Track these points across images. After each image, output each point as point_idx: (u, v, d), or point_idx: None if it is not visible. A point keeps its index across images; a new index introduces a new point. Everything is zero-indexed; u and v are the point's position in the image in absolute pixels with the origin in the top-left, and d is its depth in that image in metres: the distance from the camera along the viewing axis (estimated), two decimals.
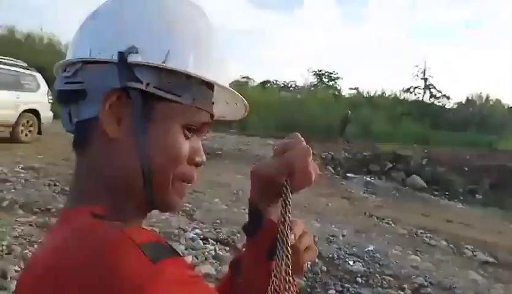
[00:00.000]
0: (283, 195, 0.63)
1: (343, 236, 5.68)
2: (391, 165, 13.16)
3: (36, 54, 18.29)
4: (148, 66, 0.54)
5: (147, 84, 0.55)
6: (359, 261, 4.73)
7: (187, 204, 5.93)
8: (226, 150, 12.89)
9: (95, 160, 0.57)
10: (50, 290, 0.47)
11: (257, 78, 34.08)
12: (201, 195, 6.70)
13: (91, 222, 0.52)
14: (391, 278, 4.37)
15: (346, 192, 9.71)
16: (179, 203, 0.61)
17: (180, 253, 0.53)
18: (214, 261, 4.17)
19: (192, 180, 0.61)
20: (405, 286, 4.24)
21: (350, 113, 18.47)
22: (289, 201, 0.62)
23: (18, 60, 10.23)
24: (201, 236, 4.73)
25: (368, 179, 12.14)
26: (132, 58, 0.54)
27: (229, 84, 0.63)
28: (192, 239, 4.61)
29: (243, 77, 33.07)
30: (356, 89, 30.13)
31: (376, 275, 4.43)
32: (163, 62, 0.55)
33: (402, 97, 27.92)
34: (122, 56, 0.54)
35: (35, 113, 9.66)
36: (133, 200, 0.58)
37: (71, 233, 0.51)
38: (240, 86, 27.46)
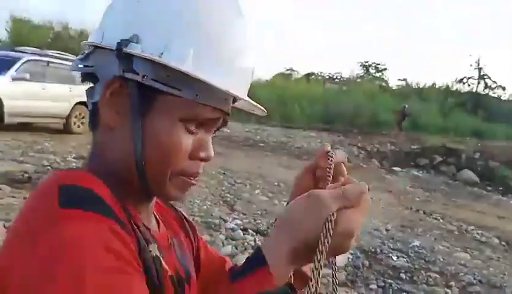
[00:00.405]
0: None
1: (387, 230, 5.51)
2: (440, 159, 12.60)
3: None
4: (146, 58, 0.52)
5: (144, 76, 0.53)
6: (403, 257, 4.57)
7: (228, 195, 5.99)
8: (268, 142, 12.89)
9: (99, 142, 0.59)
10: None
11: (302, 71, 33.80)
12: (242, 187, 6.74)
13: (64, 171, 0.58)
14: (437, 275, 4.19)
15: (392, 186, 9.42)
16: (179, 196, 0.60)
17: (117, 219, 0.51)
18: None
19: (194, 175, 0.58)
20: (452, 283, 4.06)
21: (406, 106, 17.96)
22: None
23: (70, 55, 10.72)
24: (241, 227, 4.75)
25: (415, 172, 11.70)
26: (130, 48, 0.52)
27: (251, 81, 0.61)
28: (232, 230, 4.64)
29: (287, 69, 32.94)
30: (405, 80, 29.18)
31: (422, 271, 4.26)
32: (160, 55, 0.52)
33: (454, 88, 26.72)
34: (120, 45, 0.52)
35: (86, 105, 10.08)
36: (130, 186, 0.57)
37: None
38: (284, 78, 27.35)
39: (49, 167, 6.11)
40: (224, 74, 0.55)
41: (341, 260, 4.31)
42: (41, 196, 0.52)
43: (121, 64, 0.53)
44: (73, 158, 6.99)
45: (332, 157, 0.61)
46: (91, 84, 0.59)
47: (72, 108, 9.72)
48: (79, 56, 0.59)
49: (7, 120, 8.43)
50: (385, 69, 31.69)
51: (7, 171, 5.64)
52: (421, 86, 27.26)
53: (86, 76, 0.59)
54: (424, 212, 7.06)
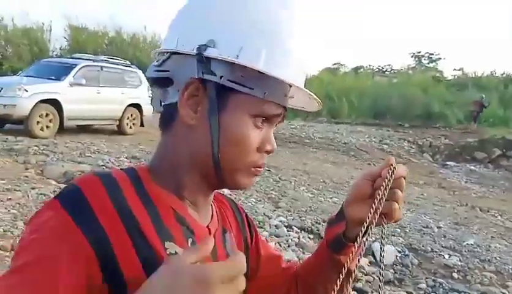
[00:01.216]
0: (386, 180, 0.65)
1: (438, 227, 5.31)
2: (500, 152, 11.89)
3: (140, 52, 19.82)
4: (223, 60, 0.58)
5: (221, 77, 0.59)
6: (455, 255, 4.38)
7: (273, 192, 6.02)
8: (314, 138, 12.78)
9: (174, 140, 0.64)
10: None
11: (350, 64, 33.12)
12: (287, 183, 6.74)
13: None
14: (493, 275, 3.98)
15: (445, 181, 9.05)
16: (249, 184, 0.66)
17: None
18: (297, 249, 4.17)
19: (262, 166, 0.65)
20: (509, 283, 3.84)
21: (484, 97, 16.55)
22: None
23: (121, 59, 11.22)
24: (286, 224, 4.76)
25: (472, 167, 11.13)
26: (209, 52, 0.58)
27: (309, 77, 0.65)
28: (276, 226, 4.66)
29: (334, 64, 32.40)
30: (461, 69, 27.67)
31: (476, 271, 4.06)
32: (236, 57, 0.58)
33: None
34: (200, 50, 0.58)
35: (137, 107, 10.51)
36: (200, 178, 0.64)
37: None
38: (331, 72, 26.90)
39: (103, 166, 6.42)
40: (289, 71, 0.61)
41: (388, 257, 4.21)
42: None
43: (200, 66, 0.59)
44: (125, 158, 7.30)
45: (394, 170, 0.66)
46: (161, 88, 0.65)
47: (124, 110, 10.16)
48: (155, 63, 0.65)
49: (66, 123, 8.98)
50: (439, 59, 30.30)
51: (67, 171, 6.00)
52: (478, 75, 25.75)
53: (158, 81, 0.64)
54: (481, 209, 6.72)
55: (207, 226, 0.68)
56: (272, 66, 0.58)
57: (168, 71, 0.62)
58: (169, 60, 0.63)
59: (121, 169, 0.64)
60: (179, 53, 0.61)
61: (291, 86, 0.63)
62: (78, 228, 0.53)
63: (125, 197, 0.58)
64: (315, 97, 0.67)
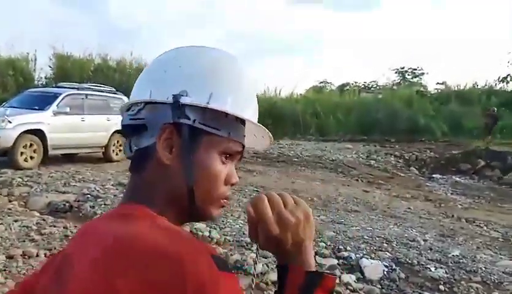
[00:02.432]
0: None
1: (424, 240, 5.32)
2: (484, 163, 12.06)
3: (127, 78, 19.85)
4: (195, 106, 0.67)
5: (194, 121, 0.67)
6: (441, 268, 4.39)
7: None
8: (302, 156, 12.83)
9: (151, 179, 0.70)
10: (128, 263, 0.56)
11: (336, 82, 33.52)
12: None
13: (174, 227, 0.63)
14: (479, 285, 3.99)
15: (431, 194, 9.11)
16: (219, 215, 0.74)
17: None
18: None
19: (227, 198, 0.73)
20: (495, 293, 3.86)
21: (495, 109, 16.31)
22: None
23: (106, 86, 11.26)
24: None
25: (457, 179, 11.26)
26: (183, 100, 0.67)
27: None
28: None
29: (320, 82, 32.79)
30: (444, 83, 28.15)
31: (462, 282, 4.07)
32: (207, 103, 0.67)
33: (497, 88, 25.49)
34: (175, 98, 0.67)
35: (122, 133, 10.49)
36: (176, 212, 0.70)
37: (156, 226, 0.61)
38: (317, 91, 27.19)
39: (88, 195, 6.36)
40: (251, 112, 0.72)
41: (375, 272, 4.21)
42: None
43: (175, 112, 0.67)
44: (112, 185, 7.24)
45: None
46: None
47: (110, 136, 10.14)
48: (129, 112, 0.72)
49: (51, 152, 8.92)
50: (422, 74, 30.84)
51: (51, 202, 5.94)
52: (461, 88, 26.21)
53: (132, 129, 0.71)
54: (466, 220, 6.76)
55: None
56: (238, 109, 0.69)
57: (143, 118, 0.70)
58: (144, 109, 0.70)
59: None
60: (152, 103, 0.69)
61: (244, 126, 0.73)
62: None
63: None
64: (269, 133, 0.78)
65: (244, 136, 0.74)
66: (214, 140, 0.69)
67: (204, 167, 0.68)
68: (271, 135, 0.79)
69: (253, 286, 0.74)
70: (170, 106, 0.67)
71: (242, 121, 0.72)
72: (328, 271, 0.70)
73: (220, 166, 0.70)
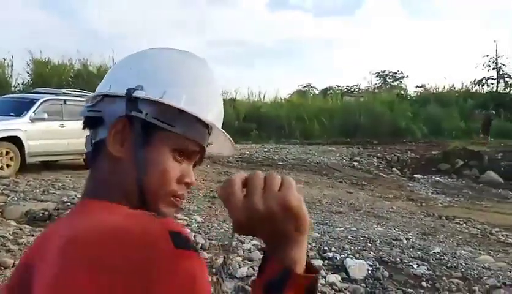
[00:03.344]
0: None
1: (407, 239, 5.38)
2: (462, 163, 12.31)
3: None
4: (149, 100, 0.67)
5: (146, 114, 0.67)
6: (423, 265, 4.44)
7: None
8: (287, 160, 12.87)
9: (105, 173, 0.69)
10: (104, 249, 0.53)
11: (319, 86, 33.81)
12: None
13: (134, 211, 0.62)
14: (460, 281, 4.05)
15: (413, 194, 9.24)
16: (170, 212, 0.72)
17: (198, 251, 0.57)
18: None
19: (181, 197, 0.72)
20: (475, 288, 3.90)
21: (494, 112, 17.32)
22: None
23: (86, 91, 11.07)
24: (259, 247, 4.73)
25: (437, 178, 11.45)
26: (137, 93, 0.67)
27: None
28: (249, 250, 4.61)
29: (304, 86, 33.03)
30: (423, 86, 28.71)
31: (444, 278, 4.12)
32: (161, 98, 0.67)
33: (473, 90, 26.12)
34: (129, 91, 0.67)
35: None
36: (132, 206, 0.66)
37: (125, 216, 0.59)
38: (301, 95, 27.38)
39: (68, 203, 6.23)
40: (205, 113, 0.70)
41: (359, 272, 4.22)
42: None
43: (128, 105, 0.67)
44: None
45: None
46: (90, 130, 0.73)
47: None
48: (87, 104, 0.73)
49: (29, 160, 8.70)
50: (402, 77, 31.38)
51: (28, 210, 5.79)
52: (439, 91, 26.76)
53: (90, 121, 0.72)
54: (446, 218, 6.88)
55: None
56: (192, 107, 0.68)
57: (100, 111, 0.70)
58: (102, 102, 0.71)
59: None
60: (110, 96, 0.70)
61: (207, 129, 0.73)
62: None
63: None
64: (230, 138, 0.77)
65: (203, 137, 0.73)
66: (167, 136, 0.68)
67: (154, 162, 0.67)
68: (231, 139, 0.78)
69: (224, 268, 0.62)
70: (124, 100, 0.67)
71: (206, 124, 0.71)
72: (314, 268, 0.60)
73: (172, 163, 0.69)
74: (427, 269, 4.32)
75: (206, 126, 0.72)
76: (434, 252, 4.81)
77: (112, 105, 0.69)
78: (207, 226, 5.30)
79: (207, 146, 0.76)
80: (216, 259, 4.23)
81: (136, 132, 0.67)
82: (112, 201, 0.66)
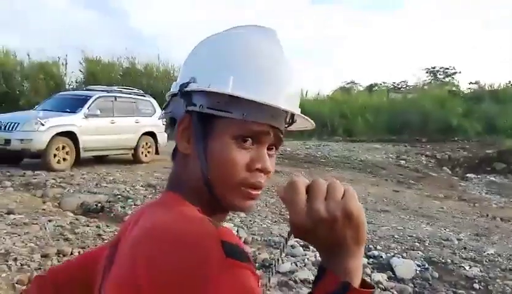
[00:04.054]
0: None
1: (458, 240, 5.17)
2: None
3: (154, 81, 20.22)
4: (201, 91, 0.66)
5: (201, 106, 0.66)
6: (476, 266, 4.25)
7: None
8: (330, 157, 12.69)
9: (178, 169, 0.71)
10: (154, 243, 0.56)
11: (364, 83, 33.05)
12: None
13: (194, 214, 0.61)
14: None
15: (465, 193, 8.85)
16: (245, 205, 0.68)
17: (255, 268, 0.56)
18: (314, 268, 4.12)
19: (254, 185, 0.67)
20: None
21: None
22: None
23: (135, 89, 11.43)
24: (301, 243, 4.71)
25: (492, 178, 10.90)
26: (189, 87, 0.67)
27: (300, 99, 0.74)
28: (292, 246, 4.61)
29: (348, 83, 32.42)
30: (477, 82, 27.32)
31: (497, 280, 3.94)
32: (208, 86, 0.65)
33: None
34: (181, 86, 0.67)
35: (152, 135, 10.65)
36: (201, 203, 0.66)
37: (178, 214, 0.60)
38: (345, 92, 26.90)
39: (119, 195, 6.49)
40: (263, 93, 0.65)
41: (407, 271, 4.11)
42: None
43: (184, 101, 0.67)
44: (141, 186, 7.37)
45: None
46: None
47: (139, 138, 10.29)
48: (163, 107, 0.75)
49: (83, 154, 9.12)
50: (455, 73, 30.00)
51: (83, 202, 6.08)
52: (495, 87, 25.37)
53: (168, 123, 0.74)
54: (501, 219, 6.55)
55: None
56: (242, 89, 0.64)
57: (170, 112, 0.73)
58: (171, 102, 0.73)
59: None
60: (175, 95, 0.70)
61: (273, 107, 0.66)
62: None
63: None
64: (303, 116, 0.72)
65: (273, 116, 0.67)
66: (227, 124, 0.65)
67: (216, 153, 0.65)
68: (308, 119, 0.74)
69: (273, 270, 0.67)
70: (180, 96, 0.68)
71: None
72: (369, 282, 0.58)
73: (236, 151, 0.65)
74: (480, 270, 4.14)
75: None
76: (488, 254, 4.60)
77: (177, 104, 0.70)
78: (250, 221, 5.34)
79: (289, 124, 0.72)
80: (259, 253, 4.26)
81: (195, 126, 0.67)
82: (187, 197, 0.66)
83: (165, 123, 0.76)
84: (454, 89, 26.20)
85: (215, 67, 0.67)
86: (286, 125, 0.71)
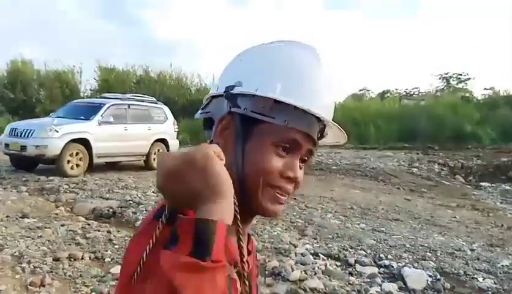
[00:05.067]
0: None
1: (471, 250, 5.08)
2: None
3: (167, 89, 20.42)
4: (247, 95, 0.69)
5: (244, 109, 0.69)
6: (490, 278, 4.17)
7: (299, 220, 5.95)
8: (341, 165, 12.63)
9: None
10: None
11: (376, 89, 32.88)
12: (313, 211, 6.66)
13: None
14: None
15: (479, 203, 8.70)
16: (274, 208, 0.71)
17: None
18: (324, 277, 4.09)
19: (283, 190, 0.70)
20: None
21: None
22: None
23: (147, 96, 11.58)
24: (312, 251, 4.69)
25: (507, 187, 10.70)
26: (235, 90, 0.70)
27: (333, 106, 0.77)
28: (302, 254, 4.59)
29: (360, 90, 32.27)
30: (492, 88, 26.92)
31: None
32: (256, 91, 0.68)
33: None
34: (227, 89, 0.70)
35: (164, 142, 10.76)
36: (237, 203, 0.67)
37: None
38: (356, 99, 26.78)
39: (131, 201, 6.55)
40: (306, 102, 0.68)
41: (418, 282, 4.05)
42: None
43: (228, 102, 0.70)
44: (153, 192, 7.42)
45: None
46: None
47: (151, 145, 10.40)
48: (201, 107, 0.78)
49: (96, 161, 9.27)
50: (468, 79, 29.64)
51: (95, 208, 6.15)
52: (511, 93, 24.98)
53: (204, 123, 0.77)
54: None
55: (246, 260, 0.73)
56: (288, 96, 0.67)
57: (209, 112, 0.75)
58: (210, 103, 0.76)
59: None
60: (217, 96, 0.74)
61: (315, 117, 0.70)
62: None
63: None
64: (338, 126, 0.75)
65: (312, 127, 0.71)
66: (267, 129, 0.68)
67: (254, 155, 0.68)
68: (341, 128, 0.76)
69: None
70: (225, 98, 0.70)
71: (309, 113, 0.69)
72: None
73: (273, 157, 0.68)
74: (494, 282, 4.06)
75: (316, 116, 0.70)
76: (502, 265, 4.51)
77: (218, 105, 0.74)
78: (260, 228, 5.34)
79: (323, 136, 0.76)
80: (269, 261, 4.25)
81: (236, 127, 0.70)
82: None
83: (203, 125, 0.78)
84: (467, 95, 25.88)
85: (262, 74, 0.70)
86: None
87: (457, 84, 29.39)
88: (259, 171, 0.68)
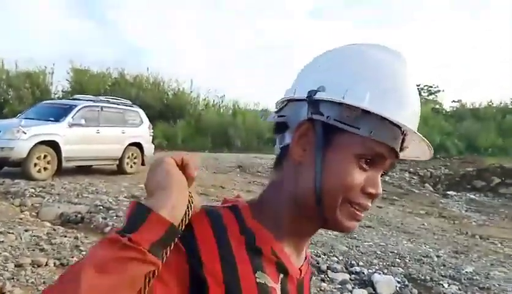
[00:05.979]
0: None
1: (438, 256, 5.23)
2: (499, 181, 11.85)
3: (144, 92, 20.09)
4: (331, 102, 0.64)
5: (328, 117, 0.64)
6: (454, 284, 4.30)
7: None
8: None
9: (281, 178, 0.70)
10: None
11: None
12: None
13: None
14: None
15: (446, 211, 8.96)
16: (348, 225, 0.66)
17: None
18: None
19: (362, 206, 0.66)
20: None
21: None
22: None
23: (122, 99, 11.31)
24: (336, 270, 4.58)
25: (472, 196, 11.06)
26: (318, 95, 0.64)
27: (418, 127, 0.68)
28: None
29: None
30: (459, 101, 27.87)
31: None
32: (343, 98, 0.63)
33: None
34: (310, 93, 0.65)
35: (138, 146, 10.53)
36: (299, 218, 0.68)
37: None
38: None
39: (101, 207, 6.39)
40: (395, 113, 0.63)
41: (387, 288, 4.13)
42: None
43: (310, 108, 0.65)
44: (125, 197, 7.28)
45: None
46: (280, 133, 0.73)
47: (125, 149, 10.16)
48: (274, 110, 0.73)
49: (65, 164, 8.96)
50: (438, 91, 30.55)
51: (63, 213, 5.98)
52: (476, 106, 25.94)
53: (277, 127, 0.72)
54: (481, 237, 6.63)
55: (300, 268, 0.72)
56: (377, 106, 0.62)
57: (284, 116, 0.70)
58: (286, 107, 0.70)
59: (226, 206, 0.70)
60: (294, 100, 0.69)
61: (400, 130, 0.65)
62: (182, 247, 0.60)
63: (225, 228, 0.65)
64: (427, 141, 0.69)
65: (396, 139, 0.66)
66: (351, 140, 0.63)
67: (335, 167, 0.64)
68: (428, 143, 0.70)
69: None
70: (306, 103, 0.66)
71: (398, 125, 0.64)
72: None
73: (355, 170, 0.63)
74: (459, 289, 4.19)
75: (399, 127, 0.65)
76: (466, 272, 4.65)
77: (296, 109, 0.68)
78: None
79: (401, 150, 0.69)
80: None
81: (318, 136, 0.65)
82: (278, 204, 0.68)
83: (274, 128, 0.73)
84: (437, 106, 26.69)
85: (348, 80, 0.65)
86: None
87: (427, 96, 30.27)
88: (340, 186, 0.63)
